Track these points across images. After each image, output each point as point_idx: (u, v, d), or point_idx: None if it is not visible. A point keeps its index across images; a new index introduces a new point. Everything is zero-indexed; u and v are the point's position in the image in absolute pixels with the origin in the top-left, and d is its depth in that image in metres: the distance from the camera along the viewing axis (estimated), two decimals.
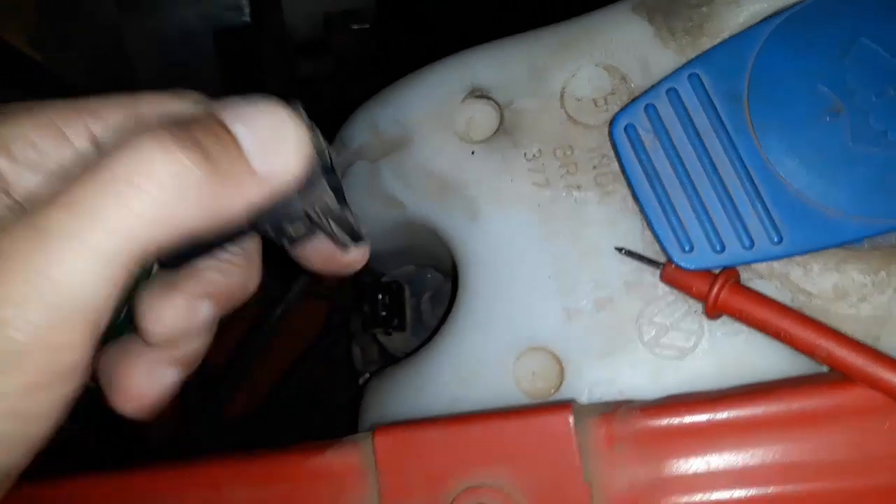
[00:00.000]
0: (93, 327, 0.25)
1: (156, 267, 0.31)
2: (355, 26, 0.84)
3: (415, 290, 0.55)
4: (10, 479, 0.26)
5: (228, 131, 0.27)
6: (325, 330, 0.75)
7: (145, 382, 0.30)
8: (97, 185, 0.24)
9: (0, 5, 0.50)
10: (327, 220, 0.29)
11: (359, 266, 0.32)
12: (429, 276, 0.55)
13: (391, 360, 0.55)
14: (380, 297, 0.53)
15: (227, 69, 0.60)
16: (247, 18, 0.59)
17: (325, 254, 0.31)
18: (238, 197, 0.27)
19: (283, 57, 0.71)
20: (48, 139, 0.28)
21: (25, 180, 0.27)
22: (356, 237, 0.30)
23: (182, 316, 0.30)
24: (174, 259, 0.30)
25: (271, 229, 0.29)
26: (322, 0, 0.79)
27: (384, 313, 0.53)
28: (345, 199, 0.29)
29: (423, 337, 0.54)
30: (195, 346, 0.31)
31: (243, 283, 0.31)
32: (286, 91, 0.74)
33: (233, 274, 0.31)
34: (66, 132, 0.28)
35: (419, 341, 0.53)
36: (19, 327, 0.24)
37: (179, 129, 0.26)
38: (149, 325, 0.29)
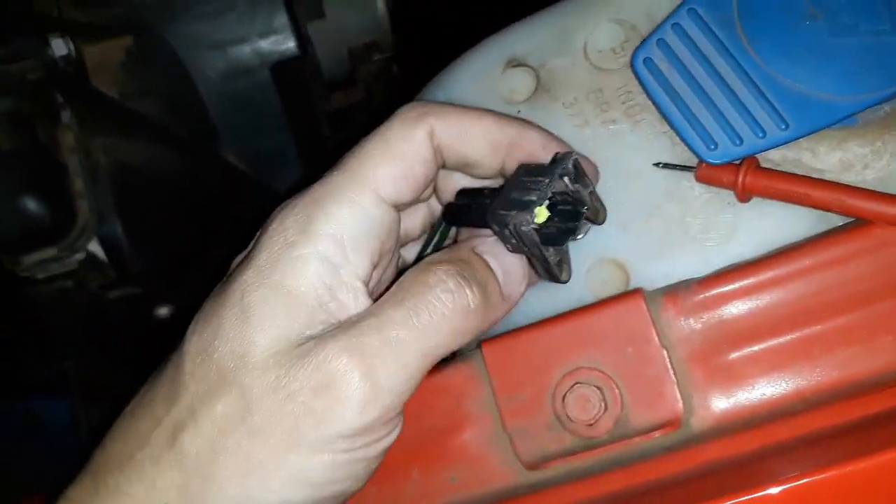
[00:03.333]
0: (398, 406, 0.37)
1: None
2: (377, 57, 0.93)
3: None
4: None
5: (489, 268, 0.39)
6: None
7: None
8: (407, 313, 0.36)
9: (92, 68, 0.59)
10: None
11: None
12: None
13: None
14: None
15: (284, 98, 0.68)
16: (295, 52, 0.67)
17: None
18: (494, 316, 0.39)
19: (323, 88, 0.80)
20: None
21: None
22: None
23: None
24: None
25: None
26: (344, 39, 0.88)
27: None
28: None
29: None
30: None
31: None
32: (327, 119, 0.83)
33: None
34: (363, 200, 0.38)
35: None
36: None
37: (463, 268, 0.38)
38: None
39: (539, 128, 0.43)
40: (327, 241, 0.37)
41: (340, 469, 0.36)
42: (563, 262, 0.41)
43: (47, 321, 0.60)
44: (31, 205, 0.55)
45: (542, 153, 0.42)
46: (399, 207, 0.40)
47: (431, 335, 0.36)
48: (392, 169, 0.38)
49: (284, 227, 0.37)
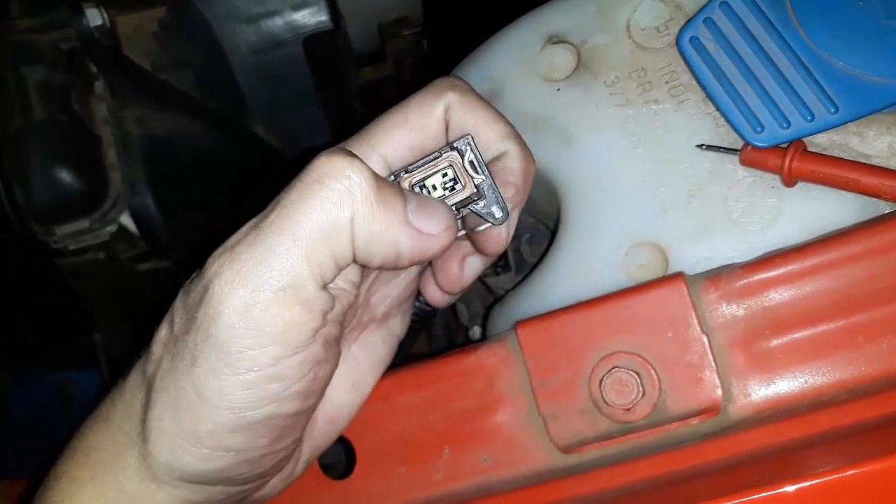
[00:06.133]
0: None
1: None
2: (406, 32, 0.92)
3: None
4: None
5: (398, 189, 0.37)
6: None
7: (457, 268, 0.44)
8: (278, 201, 0.36)
9: (125, 38, 0.59)
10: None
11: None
12: (521, 219, 0.62)
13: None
14: None
15: (315, 72, 0.68)
16: (328, 25, 0.67)
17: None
18: (395, 234, 0.36)
19: (353, 62, 0.79)
20: None
21: None
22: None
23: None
24: None
25: None
26: (374, 13, 0.87)
27: None
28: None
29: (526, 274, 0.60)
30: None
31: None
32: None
33: None
34: (369, 162, 0.37)
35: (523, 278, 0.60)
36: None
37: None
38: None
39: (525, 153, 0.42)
40: None
41: (255, 388, 0.36)
42: None
43: (78, 293, 0.60)
44: (65, 175, 0.55)
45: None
46: None
47: (303, 220, 0.35)
48: (402, 137, 0.39)
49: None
